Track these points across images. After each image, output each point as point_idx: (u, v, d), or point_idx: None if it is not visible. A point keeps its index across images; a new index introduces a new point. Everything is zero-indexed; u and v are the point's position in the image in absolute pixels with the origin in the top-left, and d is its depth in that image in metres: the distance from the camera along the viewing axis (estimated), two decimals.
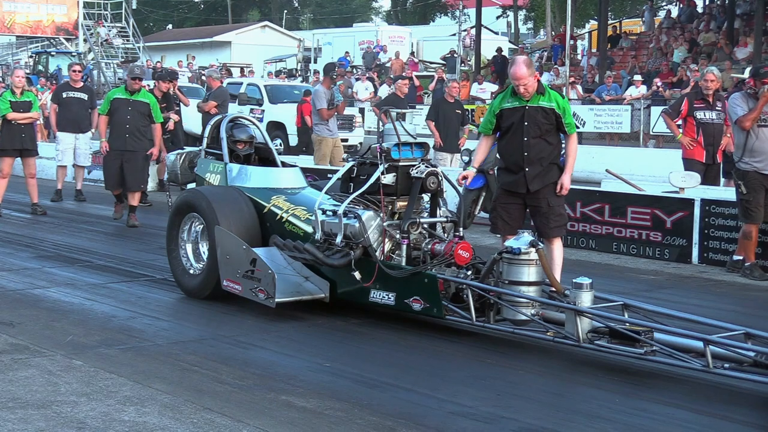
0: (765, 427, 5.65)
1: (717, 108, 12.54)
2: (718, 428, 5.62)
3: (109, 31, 45.16)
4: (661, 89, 27.69)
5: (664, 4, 47.12)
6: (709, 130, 12.54)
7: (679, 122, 12.75)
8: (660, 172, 13.11)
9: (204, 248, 8.89)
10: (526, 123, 8.25)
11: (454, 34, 45.16)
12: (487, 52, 40.44)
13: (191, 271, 8.93)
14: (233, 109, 23.72)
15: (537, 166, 8.28)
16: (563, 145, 8.58)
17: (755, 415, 5.84)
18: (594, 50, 37.63)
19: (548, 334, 7.08)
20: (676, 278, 10.52)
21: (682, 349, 6.45)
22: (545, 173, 8.32)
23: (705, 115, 12.51)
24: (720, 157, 12.74)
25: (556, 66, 34.45)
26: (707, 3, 39.50)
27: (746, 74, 13.42)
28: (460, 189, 8.50)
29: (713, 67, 15.14)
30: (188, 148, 10.73)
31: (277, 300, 7.93)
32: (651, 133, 26.23)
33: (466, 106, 20.36)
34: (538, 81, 8.36)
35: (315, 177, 11.08)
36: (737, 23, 33.52)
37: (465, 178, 8.53)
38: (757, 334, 6.38)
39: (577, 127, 28.59)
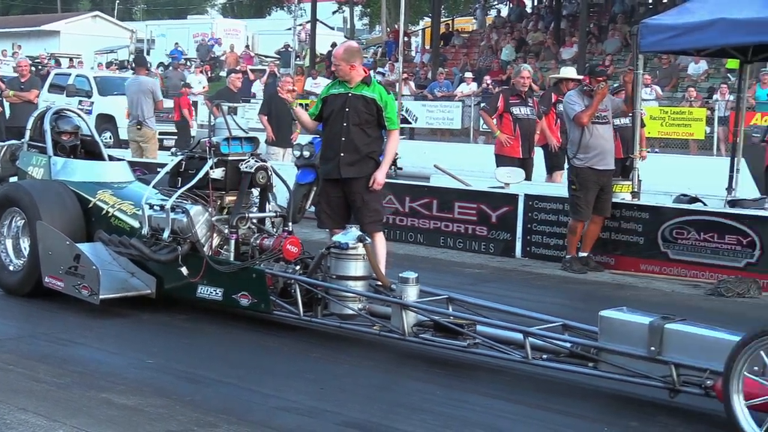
0: (579, 415, 5.85)
1: (530, 104, 13.01)
2: (535, 417, 5.79)
3: None
4: (491, 87, 28.23)
5: (495, 3, 48.07)
6: (525, 125, 13.00)
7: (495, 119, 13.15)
8: (489, 167, 13.40)
9: (25, 244, 8.62)
10: (347, 109, 8.35)
11: (290, 29, 45.02)
12: (323, 47, 40.50)
13: (11, 268, 8.65)
14: (62, 100, 23.12)
15: (353, 154, 8.35)
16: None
17: (570, 403, 6.04)
18: (427, 47, 38.16)
19: (374, 328, 7.16)
20: (500, 272, 10.79)
21: (504, 341, 6.60)
22: (359, 163, 8.38)
23: (520, 111, 12.97)
24: (533, 152, 13.18)
25: (390, 62, 34.76)
26: (535, 3, 40.55)
27: (562, 74, 13.86)
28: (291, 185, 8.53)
29: (526, 64, 15.62)
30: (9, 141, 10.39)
31: (101, 296, 7.78)
32: (481, 129, 26.72)
33: (300, 101, 20.32)
34: (367, 74, 8.52)
35: (144, 171, 10.90)
36: (563, 24, 34.51)
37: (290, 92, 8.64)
38: (574, 326, 6.59)
39: (409, 122, 28.68)
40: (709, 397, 5.56)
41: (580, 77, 13.21)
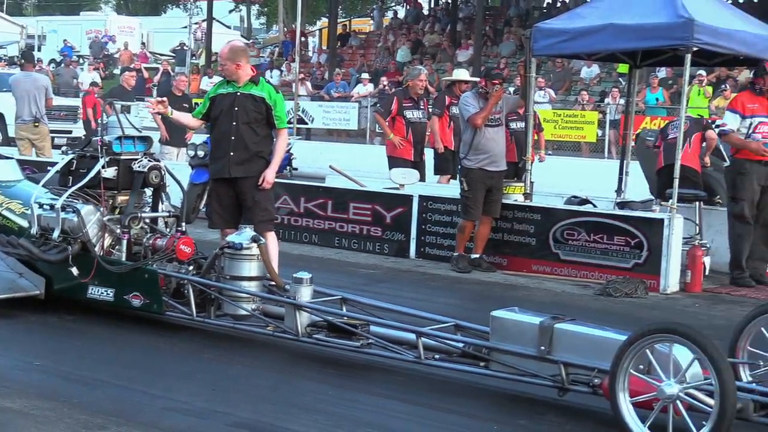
0: (471, 414, 5.91)
1: (422, 107, 13.12)
2: (427, 417, 5.82)
3: None
4: (387, 88, 28.34)
5: (392, 4, 48.29)
6: (417, 129, 13.13)
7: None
8: (385, 168, 13.47)
9: None
10: (236, 108, 8.33)
11: (186, 27, 44.59)
12: (219, 46, 40.00)
13: None
14: None
15: (243, 152, 8.32)
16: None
17: (462, 403, 6.09)
18: (324, 47, 38.15)
19: (268, 328, 7.16)
20: (393, 272, 10.85)
21: (397, 341, 6.64)
22: (249, 162, 8.35)
23: (413, 114, 13.07)
24: (425, 155, 13.31)
25: (286, 62, 34.67)
26: (432, 5, 40.85)
27: (455, 76, 13.99)
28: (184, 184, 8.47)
29: (422, 67, 15.74)
30: None
31: None
32: (377, 130, 26.80)
33: (195, 100, 20.14)
34: (256, 73, 8.55)
35: (33, 170, 10.71)
36: (460, 26, 34.82)
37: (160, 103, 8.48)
38: (466, 326, 6.67)
39: (306, 123, 28.58)
40: (597, 395, 5.67)
41: (474, 79, 13.34)
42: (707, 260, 10.55)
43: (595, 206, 11.36)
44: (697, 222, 10.86)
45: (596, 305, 9.40)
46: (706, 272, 10.52)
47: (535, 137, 14.86)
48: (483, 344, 6.30)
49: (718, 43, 10.39)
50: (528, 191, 11.45)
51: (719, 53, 10.80)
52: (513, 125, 12.10)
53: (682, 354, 5.25)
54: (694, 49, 10.15)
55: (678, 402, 5.16)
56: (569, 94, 27.35)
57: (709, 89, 22.84)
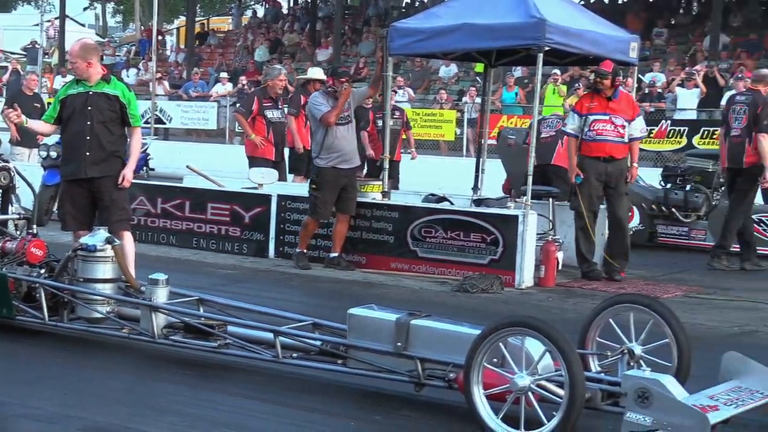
0: (328, 412, 5.92)
1: (280, 107, 13.11)
2: (285, 416, 5.82)
3: None
4: (246, 87, 28.17)
5: (252, 3, 48.03)
6: (278, 129, 13.09)
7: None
8: (244, 168, 13.39)
9: None
10: (89, 107, 8.19)
11: (37, 24, 43.47)
12: None
13: None
14: None
15: (98, 152, 8.20)
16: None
17: (319, 401, 6.10)
18: (182, 46, 37.72)
19: (123, 331, 7.06)
20: (252, 272, 10.81)
21: (255, 340, 6.62)
22: (106, 162, 8.24)
23: (273, 114, 13.03)
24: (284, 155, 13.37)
25: (144, 61, 34.16)
26: (291, 4, 40.80)
27: (309, 75, 14.00)
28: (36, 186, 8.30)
29: (281, 66, 15.70)
30: None
31: None
32: (236, 130, 26.61)
33: (48, 100, 19.67)
34: (107, 71, 8.42)
35: None
36: (319, 25, 34.87)
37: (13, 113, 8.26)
38: (324, 324, 6.68)
39: (164, 123, 28.24)
40: (452, 389, 5.73)
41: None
42: (560, 255, 10.79)
43: (452, 204, 11.50)
44: (551, 218, 11.11)
45: (453, 301, 9.53)
46: (560, 267, 10.76)
47: (404, 136, 15.07)
48: (340, 342, 6.32)
49: (570, 43, 10.65)
50: (386, 189, 11.52)
51: (571, 53, 11.07)
52: (380, 123, 12.15)
53: (534, 347, 5.36)
54: (546, 48, 10.38)
55: (530, 393, 5.26)
56: (428, 93, 27.63)
57: (564, 88, 23.36)
